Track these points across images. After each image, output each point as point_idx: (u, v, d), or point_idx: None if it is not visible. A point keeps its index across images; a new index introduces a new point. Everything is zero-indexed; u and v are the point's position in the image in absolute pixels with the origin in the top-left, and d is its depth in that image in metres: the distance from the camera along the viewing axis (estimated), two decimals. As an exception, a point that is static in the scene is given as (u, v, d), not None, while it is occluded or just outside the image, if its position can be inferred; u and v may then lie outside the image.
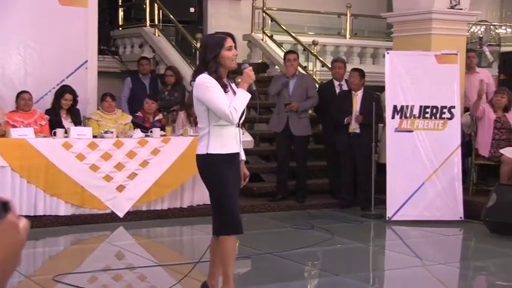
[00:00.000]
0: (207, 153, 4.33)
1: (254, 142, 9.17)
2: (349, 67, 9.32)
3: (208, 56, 4.33)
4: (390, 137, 7.97)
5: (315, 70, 10.87)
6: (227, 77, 4.46)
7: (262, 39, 11.46)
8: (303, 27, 13.01)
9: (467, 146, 8.52)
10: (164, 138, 7.87)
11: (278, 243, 6.68)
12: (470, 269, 6.31)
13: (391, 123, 7.98)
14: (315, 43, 11.14)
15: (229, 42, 4.35)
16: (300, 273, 5.90)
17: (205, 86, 4.28)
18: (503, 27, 13.37)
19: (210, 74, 4.30)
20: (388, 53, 8.24)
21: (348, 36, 12.43)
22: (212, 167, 4.36)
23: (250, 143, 9.08)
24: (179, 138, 8.00)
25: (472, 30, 11.93)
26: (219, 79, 4.31)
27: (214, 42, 4.36)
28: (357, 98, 8.46)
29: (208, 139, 4.33)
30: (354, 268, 5.92)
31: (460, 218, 7.75)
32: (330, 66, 11.01)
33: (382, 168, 8.22)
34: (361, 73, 8.55)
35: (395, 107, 7.94)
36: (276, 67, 11.02)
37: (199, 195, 8.07)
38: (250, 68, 4.43)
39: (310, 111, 9.29)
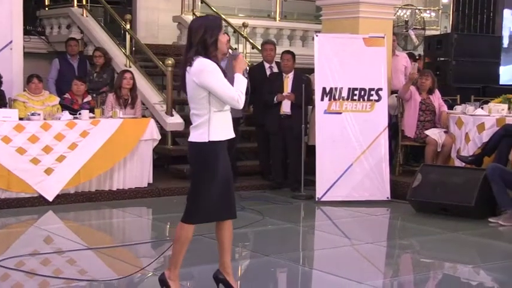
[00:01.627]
0: (209, 141, 4.15)
1: (185, 124, 9.10)
2: (279, 49, 9.34)
3: (210, 40, 4.15)
4: (319, 119, 8.03)
5: (245, 52, 10.86)
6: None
7: (193, 21, 11.32)
8: (233, 10, 12.96)
9: (394, 127, 8.67)
10: (93, 120, 7.71)
11: (210, 225, 6.60)
12: (396, 247, 6.43)
13: (321, 105, 8.03)
14: (245, 25, 11.14)
15: (222, 25, 4.27)
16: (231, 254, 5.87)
17: (211, 72, 4.13)
18: (428, 12, 13.64)
19: (210, 58, 4.16)
20: (317, 36, 8.27)
21: (277, 18, 12.46)
22: (209, 156, 4.20)
23: (181, 125, 9.03)
24: (108, 120, 7.85)
25: (398, 14, 12.13)
26: (217, 64, 4.20)
27: (215, 25, 4.22)
28: (288, 80, 8.49)
29: (208, 126, 4.16)
30: (284, 248, 5.96)
31: (387, 198, 7.90)
32: (260, 48, 11.03)
33: (311, 150, 8.28)
34: (293, 55, 8.60)
35: (324, 89, 8.00)
36: (206, 49, 10.91)
37: (130, 177, 7.99)
38: (241, 54, 4.32)
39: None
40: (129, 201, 7.80)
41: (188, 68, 4.17)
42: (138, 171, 8.06)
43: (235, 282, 4.45)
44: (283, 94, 8.39)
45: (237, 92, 4.13)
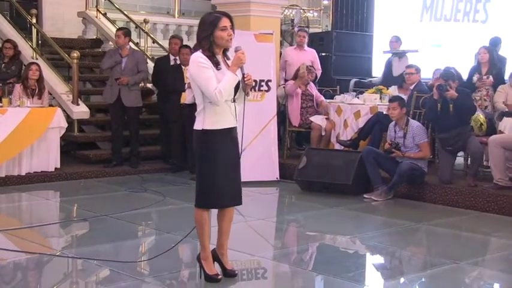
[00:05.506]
0: (202, 129, 4.08)
1: (90, 113, 8.90)
2: (178, 44, 9.24)
3: (202, 34, 4.08)
4: (215, 108, 8.00)
5: (146, 46, 10.71)
6: (223, 54, 4.18)
7: (96, 17, 11.05)
8: (135, 6, 12.75)
9: (282, 115, 8.79)
10: (1, 109, 7.38)
11: (114, 205, 6.52)
12: (284, 222, 6.53)
13: (216, 95, 8.00)
14: (146, 21, 11.00)
15: (223, 22, 4.08)
16: (134, 232, 5.80)
17: (198, 65, 4.03)
18: (311, 12, 13.88)
19: (203, 52, 4.05)
20: (212, 32, 8.22)
21: (176, 15, 12.37)
22: (206, 143, 4.10)
23: (86, 113, 8.82)
24: (16, 109, 7.56)
25: (285, 13, 12.27)
26: (212, 57, 4.05)
27: (208, 21, 4.09)
28: (187, 71, 8.42)
29: (203, 115, 4.08)
30: (184, 226, 5.88)
31: (276, 178, 8.00)
32: (160, 43, 10.92)
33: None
34: (191, 50, 8.52)
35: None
36: (110, 43, 10.69)
37: (38, 163, 7.73)
38: (242, 51, 4.09)
39: (141, 84, 9.15)
40: (37, 185, 7.54)
41: None
42: (45, 157, 7.80)
43: (229, 262, 4.36)
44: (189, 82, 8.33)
45: (216, 89, 4.00)
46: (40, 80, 8.05)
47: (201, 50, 4.10)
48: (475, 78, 7.98)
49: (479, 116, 7.24)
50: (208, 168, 4.14)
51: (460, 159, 7.70)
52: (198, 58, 4.07)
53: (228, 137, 4.19)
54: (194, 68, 4.08)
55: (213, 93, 4.01)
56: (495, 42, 8.52)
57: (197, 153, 4.19)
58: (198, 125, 4.14)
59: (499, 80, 7.90)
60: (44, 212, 6.75)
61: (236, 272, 4.37)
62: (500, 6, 9.78)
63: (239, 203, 4.32)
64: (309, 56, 9.27)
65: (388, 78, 9.13)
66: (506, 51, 8.63)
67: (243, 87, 4.17)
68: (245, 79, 4.13)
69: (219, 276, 4.26)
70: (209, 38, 4.08)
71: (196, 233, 4.29)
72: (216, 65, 4.09)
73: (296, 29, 10.84)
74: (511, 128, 7.02)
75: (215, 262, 4.34)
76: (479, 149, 6.94)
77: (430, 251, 5.51)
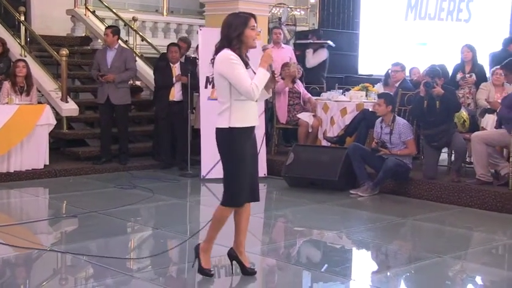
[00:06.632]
0: (229, 127, 4.02)
1: (79, 110, 8.85)
2: (166, 42, 9.24)
3: (233, 34, 4.01)
4: (203, 105, 8.00)
5: (135, 44, 10.66)
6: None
7: (85, 14, 10.99)
8: (124, 4, 12.70)
9: (270, 112, 8.78)
10: (-11, 106, 7.33)
11: (103, 202, 6.49)
12: (272, 218, 6.53)
13: (204, 92, 8.00)
14: (134, 19, 10.95)
15: (252, 21, 4.06)
16: (123, 228, 5.79)
17: (230, 62, 3.98)
18: (298, 10, 13.88)
19: (233, 51, 4.00)
20: (200, 30, 8.24)
21: (165, 13, 12.33)
22: (233, 141, 4.04)
23: (75, 110, 8.77)
24: (5, 106, 7.50)
25: (272, 11, 12.26)
26: (240, 56, 4.02)
27: (239, 21, 4.04)
28: (175, 69, 8.41)
29: (229, 113, 4.02)
30: (173, 222, 5.92)
31: (264, 174, 8.00)
32: (149, 41, 10.90)
33: (197, 133, 8.25)
34: (179, 47, 8.54)
35: (207, 78, 7.95)
36: (99, 40, 10.64)
37: (27, 160, 7.66)
38: (271, 49, 4.10)
39: (130, 82, 9.11)
40: (27, 182, 7.48)
41: (212, 60, 4.09)
42: (34, 154, 7.74)
43: (248, 260, 4.32)
44: (177, 75, 8.32)
45: (252, 84, 3.98)
46: (28, 77, 7.99)
47: (229, 48, 4.04)
48: (458, 76, 8.03)
49: (463, 113, 7.28)
50: (237, 167, 4.09)
51: (444, 155, 7.75)
52: (230, 55, 4.02)
53: (251, 135, 4.17)
54: (226, 65, 4.01)
55: (250, 88, 3.97)
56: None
57: (224, 151, 4.12)
58: (223, 123, 4.06)
59: (481, 78, 7.95)
60: (33, 208, 6.71)
61: (255, 270, 4.35)
62: (483, 6, 9.84)
63: (258, 199, 4.29)
64: (287, 53, 9.28)
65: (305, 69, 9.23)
66: (489, 49, 8.68)
67: (269, 85, 4.16)
68: (275, 76, 4.14)
69: (212, 272, 4.26)
70: (240, 38, 4.04)
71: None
72: (245, 64, 4.08)
73: (271, 25, 10.83)
74: (493, 125, 7.07)
75: (233, 261, 4.31)
76: (462, 145, 6.98)
77: (414, 245, 5.54)
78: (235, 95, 4.03)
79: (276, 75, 4.16)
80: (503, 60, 7.33)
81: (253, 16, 4.14)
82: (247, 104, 4.07)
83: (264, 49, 4.15)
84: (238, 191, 4.13)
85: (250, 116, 4.12)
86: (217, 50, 4.09)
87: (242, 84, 3.98)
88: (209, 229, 4.26)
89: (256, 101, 4.11)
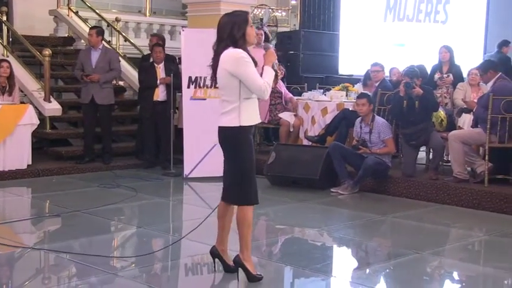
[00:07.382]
0: (240, 126, 3.96)
1: (62, 110, 8.80)
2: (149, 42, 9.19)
3: (238, 33, 3.95)
4: (186, 105, 8.00)
5: (118, 44, 10.62)
6: None
7: (68, 15, 10.93)
8: (107, 5, 12.62)
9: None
10: (-28, 106, 7.26)
11: (87, 201, 6.47)
12: (254, 216, 6.47)
13: (187, 92, 8.00)
14: (117, 20, 10.90)
15: (250, 19, 4.06)
16: (107, 227, 5.77)
17: (244, 61, 3.92)
18: (279, 11, 13.93)
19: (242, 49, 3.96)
20: (183, 30, 8.22)
21: (148, 14, 12.30)
22: (243, 139, 4.00)
23: (58, 110, 8.72)
24: (-13, 106, 7.43)
25: (254, 12, 12.29)
26: (248, 54, 3.97)
27: (241, 19, 3.99)
28: (160, 69, 8.40)
29: (239, 112, 3.96)
30: (156, 220, 5.91)
31: (246, 173, 8.01)
32: (132, 41, 10.87)
33: (180, 132, 8.24)
34: (163, 47, 8.52)
35: (190, 78, 7.95)
36: (82, 41, 10.58)
37: (10, 159, 7.60)
38: (273, 48, 4.08)
39: (114, 82, 9.08)
40: (10, 181, 7.43)
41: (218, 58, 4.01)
42: (17, 154, 7.68)
43: (230, 258, 4.29)
44: (161, 77, 8.30)
45: (265, 83, 3.96)
46: (11, 77, 7.93)
47: (236, 47, 3.98)
48: (436, 76, 8.11)
49: (440, 112, 7.36)
50: (249, 164, 4.07)
51: (422, 154, 7.82)
52: (241, 54, 3.95)
53: (251, 132, 4.16)
54: (239, 64, 3.94)
55: (263, 86, 3.95)
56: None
57: (233, 150, 4.07)
58: (233, 122, 4.00)
59: (458, 78, 8.04)
60: (17, 208, 6.65)
61: (238, 269, 4.30)
62: (459, 8, 9.94)
63: (257, 201, 4.26)
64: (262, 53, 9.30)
65: None
66: (465, 50, 8.77)
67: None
68: (277, 75, 4.17)
69: (261, 275, 4.20)
70: (244, 37, 4.01)
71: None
72: (255, 63, 4.04)
73: (265, 28, 10.86)
74: (470, 124, 7.15)
75: (215, 259, 4.30)
76: (440, 143, 7.06)
77: (394, 242, 5.59)
78: (244, 93, 3.98)
79: (280, 74, 4.18)
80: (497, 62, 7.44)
81: (248, 13, 4.15)
82: (254, 102, 4.07)
83: (266, 48, 4.15)
84: (254, 186, 4.11)
85: (256, 113, 4.12)
86: (220, 50, 4.02)
87: (256, 83, 3.95)
88: (241, 236, 4.15)
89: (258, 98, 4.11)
